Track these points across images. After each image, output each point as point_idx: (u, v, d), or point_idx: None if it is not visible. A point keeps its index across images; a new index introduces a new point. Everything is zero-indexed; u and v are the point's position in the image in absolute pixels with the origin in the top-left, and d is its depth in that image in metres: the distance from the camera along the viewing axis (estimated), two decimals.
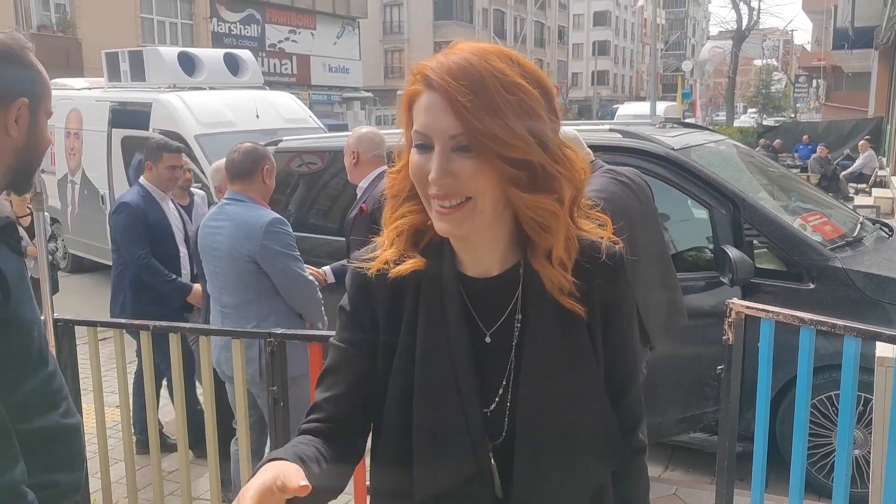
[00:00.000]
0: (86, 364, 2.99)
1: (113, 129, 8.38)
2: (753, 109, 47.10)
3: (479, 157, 0.99)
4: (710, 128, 6.63)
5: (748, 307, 2.59)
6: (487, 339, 1.10)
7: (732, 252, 3.53)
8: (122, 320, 3.41)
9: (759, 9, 30.74)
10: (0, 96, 1.34)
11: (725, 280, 3.63)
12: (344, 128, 20.31)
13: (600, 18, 69.75)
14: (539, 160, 1.00)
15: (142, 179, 4.11)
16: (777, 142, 20.06)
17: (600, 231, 1.15)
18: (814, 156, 16.78)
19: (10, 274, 1.31)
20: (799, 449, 2.48)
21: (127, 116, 8.30)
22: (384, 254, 1.11)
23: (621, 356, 1.17)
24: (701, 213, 4.28)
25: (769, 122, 31.02)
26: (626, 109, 24.28)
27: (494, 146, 0.97)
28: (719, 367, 2.73)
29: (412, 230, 1.11)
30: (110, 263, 8.71)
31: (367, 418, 1.14)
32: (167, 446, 3.80)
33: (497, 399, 1.09)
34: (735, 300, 2.65)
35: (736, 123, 29.57)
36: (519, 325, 1.10)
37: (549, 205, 1.03)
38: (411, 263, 1.09)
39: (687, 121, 21.95)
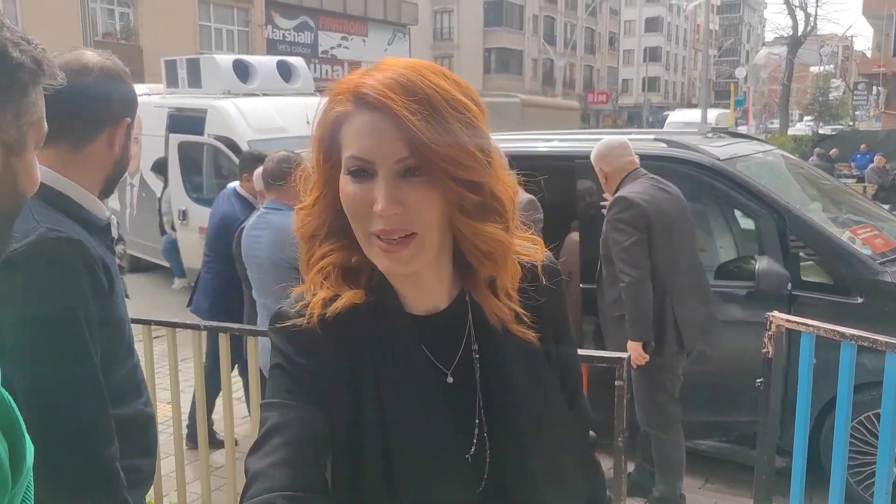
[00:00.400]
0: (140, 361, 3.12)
1: (170, 135, 8.65)
2: (809, 117, 45.92)
3: (429, 182, 0.89)
4: (759, 138, 6.53)
5: (788, 320, 2.57)
6: (449, 380, 1.00)
7: (761, 263, 3.51)
8: (176, 320, 3.55)
9: (816, 15, 29.97)
10: (112, 116, 1.49)
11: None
12: None
13: (652, 24, 68.89)
14: (488, 182, 0.93)
15: (240, 191, 4.31)
16: (833, 151, 19.54)
17: (535, 254, 1.08)
18: (871, 166, 16.29)
19: (113, 272, 1.44)
20: (839, 466, 2.45)
21: (183, 122, 8.56)
22: (317, 297, 0.97)
23: (571, 366, 1.15)
24: (748, 224, 4.26)
25: (826, 130, 30.20)
26: (677, 117, 23.94)
27: (448, 167, 0.89)
28: (759, 380, 2.72)
29: (340, 269, 0.98)
30: (166, 264, 9.02)
31: (327, 490, 0.95)
32: (215, 442, 3.94)
33: (475, 442, 1.00)
34: (775, 313, 2.63)
35: (791, 131, 28.89)
36: (478, 357, 1.01)
37: (498, 234, 0.95)
38: (349, 296, 0.96)
39: (738, 129, 21.53)
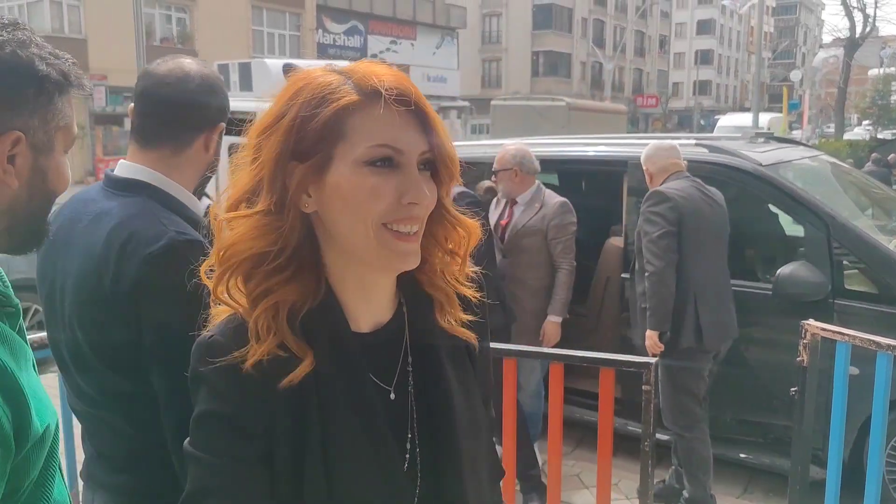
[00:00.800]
0: None
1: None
2: (868, 121, 44.49)
3: (431, 179, 0.94)
4: (805, 143, 6.40)
5: (823, 329, 2.54)
6: (392, 396, 0.98)
7: (784, 268, 3.50)
8: None
9: (875, 16, 29.05)
10: (209, 121, 1.58)
11: None
12: None
13: (704, 27, 67.76)
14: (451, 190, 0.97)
15: None
16: (892, 156, 18.85)
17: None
18: None
19: None
20: (874, 480, 2.42)
21: (234, 124, 8.76)
22: (262, 348, 0.89)
23: (488, 374, 1.17)
24: (792, 230, 4.20)
25: (885, 134, 29.21)
26: (728, 121, 23.48)
27: (449, 168, 0.94)
28: (793, 389, 2.69)
29: (289, 309, 0.91)
30: None
31: None
32: None
33: (407, 456, 0.98)
34: (810, 321, 2.61)
35: (848, 136, 28.05)
36: (411, 369, 1.00)
37: (435, 241, 1.00)
38: (305, 365, 0.90)
39: (792, 134, 20.98)
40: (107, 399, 1.42)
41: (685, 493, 3.54)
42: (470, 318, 1.05)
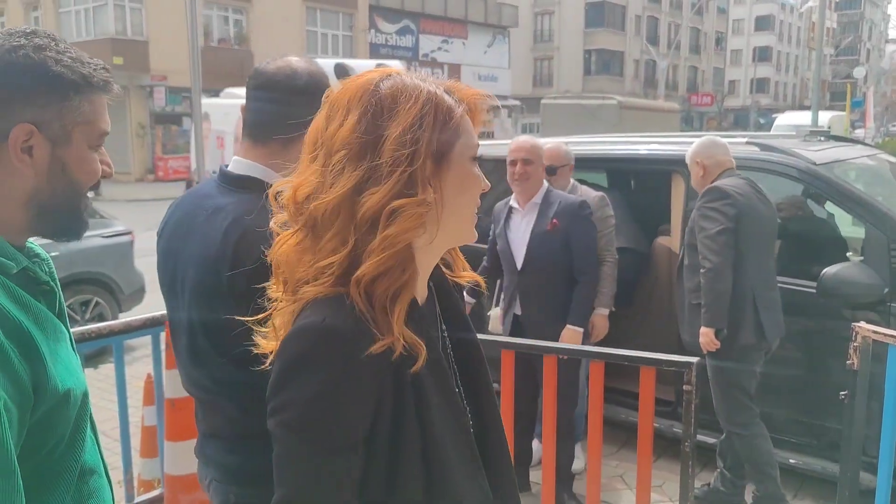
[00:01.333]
0: None
1: None
2: None
3: None
4: (862, 141, 6.19)
5: (875, 331, 2.48)
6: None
7: (830, 268, 3.41)
8: None
9: None
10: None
11: None
12: (489, 136, 20.42)
13: (762, 23, 65.98)
14: None
15: None
16: None
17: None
18: None
19: None
20: None
21: None
22: (388, 340, 0.97)
23: None
24: (851, 232, 4.10)
25: None
26: (786, 119, 22.75)
27: None
28: (843, 393, 2.63)
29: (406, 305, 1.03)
30: None
31: None
32: None
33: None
34: (861, 324, 2.55)
35: None
36: (446, 335, 1.16)
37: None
38: (422, 357, 1.01)
39: (854, 132, 20.26)
40: (220, 387, 1.49)
41: (755, 492, 3.48)
42: (468, 275, 1.23)
